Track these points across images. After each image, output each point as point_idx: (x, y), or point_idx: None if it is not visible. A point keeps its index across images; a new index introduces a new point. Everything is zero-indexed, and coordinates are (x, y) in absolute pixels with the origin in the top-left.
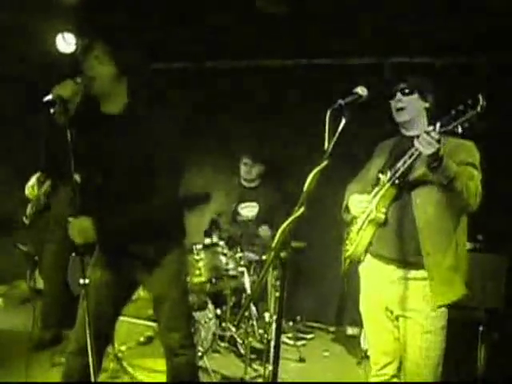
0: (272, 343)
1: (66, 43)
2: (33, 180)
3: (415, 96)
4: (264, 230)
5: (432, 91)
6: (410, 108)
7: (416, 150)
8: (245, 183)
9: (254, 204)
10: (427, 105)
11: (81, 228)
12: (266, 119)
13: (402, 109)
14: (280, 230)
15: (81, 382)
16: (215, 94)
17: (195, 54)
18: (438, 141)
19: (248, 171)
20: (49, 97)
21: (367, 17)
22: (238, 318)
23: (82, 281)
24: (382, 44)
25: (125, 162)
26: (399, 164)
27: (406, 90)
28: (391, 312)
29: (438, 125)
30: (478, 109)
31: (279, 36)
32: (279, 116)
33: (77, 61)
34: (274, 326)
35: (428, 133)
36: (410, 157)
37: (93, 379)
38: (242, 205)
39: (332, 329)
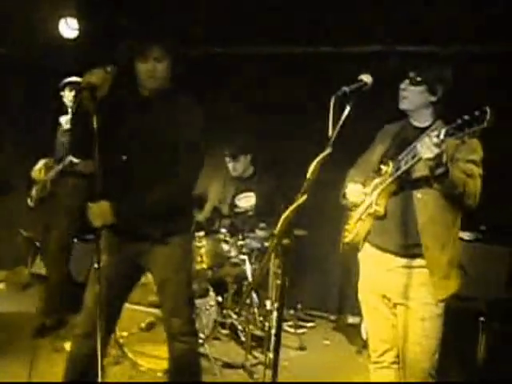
0: (273, 331)
1: (69, 28)
2: (40, 164)
3: (422, 88)
4: (262, 229)
5: (445, 84)
6: (414, 99)
7: (418, 151)
8: (235, 174)
9: (251, 194)
10: (433, 99)
11: (100, 211)
12: (263, 108)
13: (405, 97)
14: (282, 218)
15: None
16: (209, 82)
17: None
18: (439, 146)
19: (233, 167)
20: (70, 79)
21: (371, 4)
22: (239, 305)
23: (96, 264)
24: (387, 32)
25: (154, 143)
26: (402, 162)
27: (415, 80)
28: (388, 300)
29: (442, 132)
30: (485, 124)
31: (280, 24)
32: (276, 105)
33: (81, 46)
34: (274, 313)
35: (430, 137)
36: (412, 157)
37: (99, 363)
38: (239, 196)
39: (333, 317)
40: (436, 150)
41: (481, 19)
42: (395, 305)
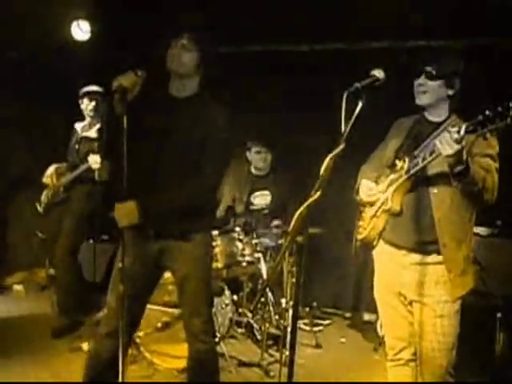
0: (289, 329)
1: (81, 31)
2: (51, 169)
3: (439, 82)
4: (277, 225)
5: (459, 77)
6: (432, 93)
7: (437, 148)
8: (255, 172)
9: (267, 192)
10: (451, 92)
11: (126, 211)
12: (277, 105)
13: (423, 92)
14: (296, 215)
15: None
16: (227, 80)
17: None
18: (460, 142)
19: (263, 159)
20: (89, 88)
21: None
22: (254, 303)
23: (120, 264)
24: (398, 27)
25: (183, 144)
26: (419, 159)
27: (432, 74)
28: (404, 297)
29: (463, 128)
30: (508, 120)
31: (291, 21)
32: (291, 102)
33: (92, 48)
34: (290, 311)
35: (450, 133)
36: (430, 154)
37: (121, 362)
38: (255, 194)
39: (348, 315)
40: (456, 146)
41: (490, 12)
42: (411, 302)
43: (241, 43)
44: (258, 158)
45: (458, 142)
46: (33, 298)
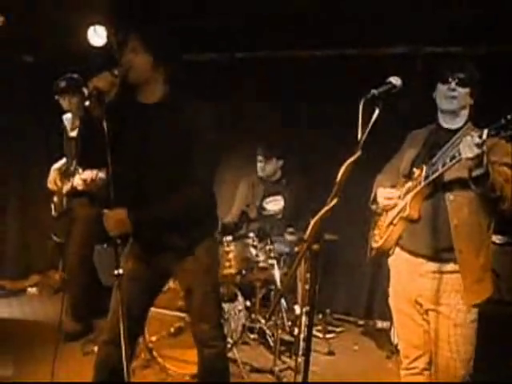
0: (302, 336)
1: (97, 36)
2: (52, 174)
3: (468, 89)
4: (291, 232)
5: (479, 87)
6: (460, 100)
7: (458, 152)
8: (266, 177)
9: (279, 197)
10: (472, 101)
11: (116, 220)
12: (292, 111)
13: (454, 97)
14: (312, 222)
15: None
16: (241, 85)
17: (222, 45)
18: (480, 147)
19: (262, 168)
20: (85, 90)
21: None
22: (269, 311)
23: (116, 271)
24: (414, 33)
25: (161, 152)
26: (439, 164)
27: (464, 81)
28: (420, 305)
29: (485, 132)
30: None
31: (306, 26)
32: (306, 108)
33: (110, 53)
34: (303, 318)
35: (472, 137)
36: (451, 159)
37: (125, 369)
38: (267, 199)
39: (361, 322)
40: (477, 150)
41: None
42: (427, 311)
43: (254, 49)
44: (258, 166)
45: (479, 146)
46: (47, 301)
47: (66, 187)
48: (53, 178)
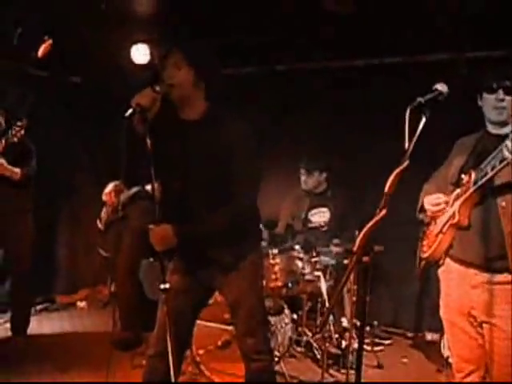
0: (350, 348)
1: (140, 54)
2: (110, 187)
3: None
4: (337, 243)
5: None
6: (508, 108)
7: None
8: (309, 190)
9: (324, 209)
10: None
11: (162, 235)
12: (334, 122)
13: (503, 108)
14: (361, 234)
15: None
16: (282, 98)
17: (261, 58)
18: None
19: (305, 181)
20: (130, 110)
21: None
22: (317, 326)
23: (162, 286)
24: (457, 38)
25: (204, 168)
26: (488, 168)
27: (510, 90)
28: (474, 318)
29: None
30: None
31: (346, 36)
32: (349, 119)
33: (153, 70)
34: (351, 331)
35: None
36: (500, 161)
37: (173, 382)
38: (312, 211)
39: (410, 334)
40: None
41: None
42: (481, 323)
43: (294, 61)
44: (301, 180)
45: None
46: (96, 315)
47: (126, 195)
48: (109, 191)
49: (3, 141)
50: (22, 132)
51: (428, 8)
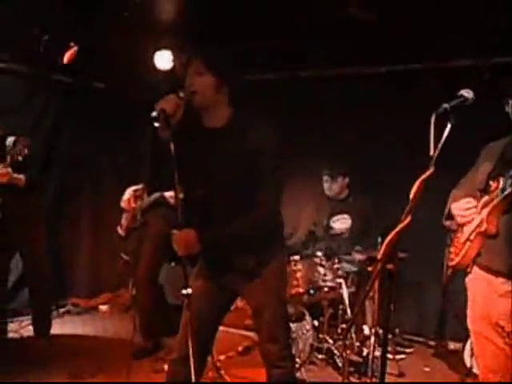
0: (370, 356)
1: (164, 60)
2: (128, 193)
3: None
4: (358, 252)
5: None
6: None
7: None
8: (331, 196)
9: (346, 216)
10: None
11: (185, 240)
12: (357, 128)
13: None
14: (386, 241)
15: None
16: (305, 104)
17: (283, 64)
18: None
19: (328, 188)
20: (154, 113)
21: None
22: (340, 333)
23: (184, 291)
24: (480, 44)
25: (228, 174)
26: None
27: None
28: (502, 328)
29: None
30: None
31: (370, 43)
32: (372, 124)
33: (176, 77)
34: (372, 339)
35: None
36: None
37: None
38: (334, 218)
39: (432, 343)
40: None
41: None
42: (509, 334)
43: (317, 66)
44: (325, 186)
45: None
46: (118, 319)
47: (146, 201)
48: (128, 197)
49: (8, 158)
50: (26, 152)
51: (453, 14)
